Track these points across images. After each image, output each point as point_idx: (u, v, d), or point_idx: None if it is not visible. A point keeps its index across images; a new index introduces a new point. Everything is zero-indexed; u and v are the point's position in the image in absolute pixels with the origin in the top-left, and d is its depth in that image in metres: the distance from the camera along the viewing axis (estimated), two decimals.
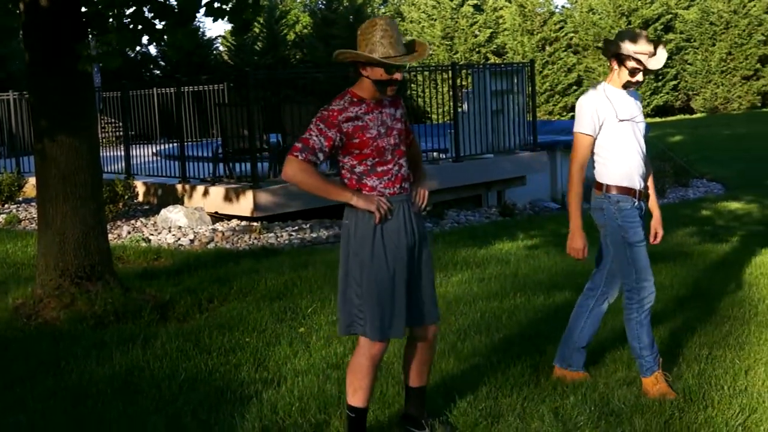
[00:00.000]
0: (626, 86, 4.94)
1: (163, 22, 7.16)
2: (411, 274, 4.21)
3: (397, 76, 4.03)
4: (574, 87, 39.33)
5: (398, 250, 4.12)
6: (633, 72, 4.86)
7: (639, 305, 4.97)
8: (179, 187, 12.99)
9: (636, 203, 4.96)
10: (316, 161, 4.05)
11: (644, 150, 5.03)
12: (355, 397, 4.23)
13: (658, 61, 4.88)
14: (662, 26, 39.26)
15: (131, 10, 6.97)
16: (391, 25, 4.01)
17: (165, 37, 7.11)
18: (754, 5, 39.38)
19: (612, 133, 4.91)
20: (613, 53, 4.91)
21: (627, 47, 4.83)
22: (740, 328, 6.09)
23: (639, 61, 4.84)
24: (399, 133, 4.21)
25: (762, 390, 4.93)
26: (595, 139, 4.93)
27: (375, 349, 4.17)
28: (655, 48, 4.88)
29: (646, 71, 4.88)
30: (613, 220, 4.95)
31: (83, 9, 7.11)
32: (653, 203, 5.22)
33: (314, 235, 11.31)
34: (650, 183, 5.21)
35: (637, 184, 4.97)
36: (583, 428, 4.46)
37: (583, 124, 4.92)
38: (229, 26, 36.19)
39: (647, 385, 4.95)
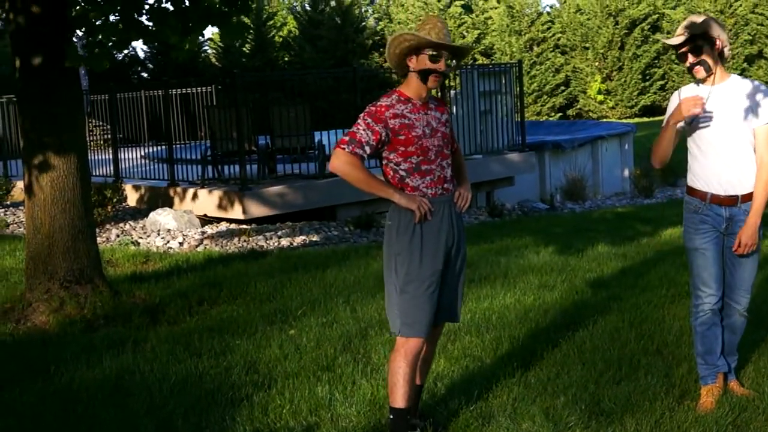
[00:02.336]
0: (698, 81, 4.69)
1: (150, 23, 7.14)
2: (447, 273, 4.28)
3: (440, 65, 4.13)
4: (562, 87, 39.35)
5: (438, 249, 4.20)
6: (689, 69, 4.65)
7: (694, 310, 4.82)
8: (168, 190, 12.97)
9: (702, 207, 4.69)
10: (362, 155, 4.11)
11: (732, 149, 4.59)
12: (391, 396, 4.24)
13: (678, 37, 4.59)
14: (649, 26, 39.26)
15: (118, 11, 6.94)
16: (441, 22, 4.17)
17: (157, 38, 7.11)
18: (740, 5, 39.46)
19: (687, 131, 4.72)
20: None
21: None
22: None
23: (678, 54, 4.65)
24: (443, 136, 4.31)
25: (751, 389, 4.95)
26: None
27: (409, 346, 4.19)
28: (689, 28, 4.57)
29: (696, 63, 4.57)
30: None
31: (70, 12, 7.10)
32: (752, 208, 4.62)
33: (303, 237, 11.30)
34: (755, 186, 4.62)
35: (704, 185, 4.67)
36: (573, 428, 4.47)
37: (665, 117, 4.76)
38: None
39: (701, 393, 4.84)
